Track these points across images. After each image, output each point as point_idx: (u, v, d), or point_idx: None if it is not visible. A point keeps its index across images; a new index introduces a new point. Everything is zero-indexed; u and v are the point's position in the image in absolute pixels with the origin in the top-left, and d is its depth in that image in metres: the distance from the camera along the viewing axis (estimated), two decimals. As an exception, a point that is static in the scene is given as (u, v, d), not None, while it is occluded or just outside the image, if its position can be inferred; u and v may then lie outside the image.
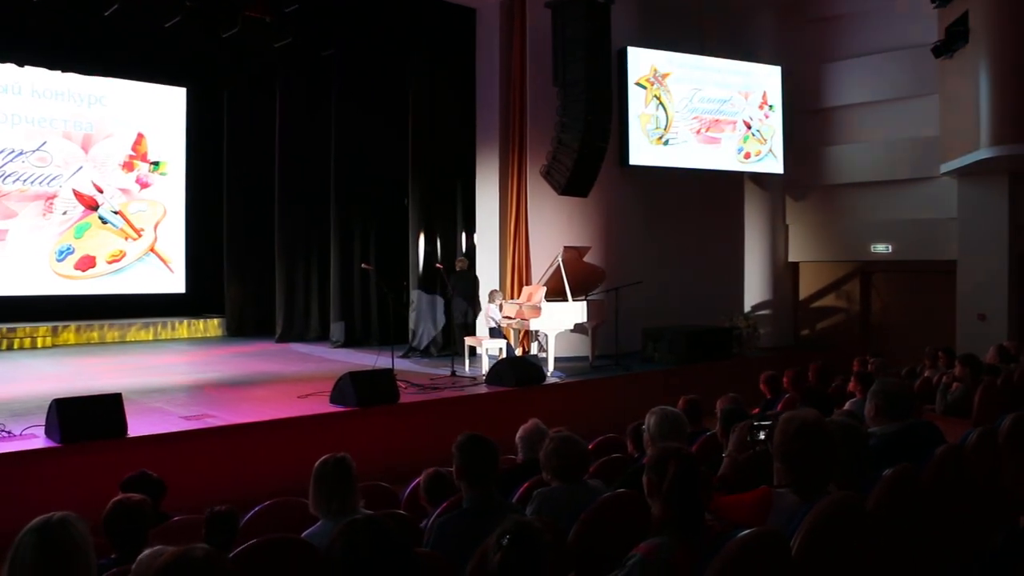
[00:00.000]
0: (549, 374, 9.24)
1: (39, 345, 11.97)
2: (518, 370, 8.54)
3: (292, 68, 12.90)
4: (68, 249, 12.96)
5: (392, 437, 7.06)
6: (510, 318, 9.86)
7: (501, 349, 9.63)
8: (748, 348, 12.38)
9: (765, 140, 13.38)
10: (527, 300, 9.72)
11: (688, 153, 12.62)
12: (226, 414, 6.90)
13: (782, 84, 13.49)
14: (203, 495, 4.84)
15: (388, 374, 7.61)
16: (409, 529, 3.43)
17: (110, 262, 13.39)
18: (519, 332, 10.35)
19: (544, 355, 9.79)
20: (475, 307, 10.60)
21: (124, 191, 13.56)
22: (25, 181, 12.53)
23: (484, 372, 8.96)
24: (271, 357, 11.27)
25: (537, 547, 2.11)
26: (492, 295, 10.36)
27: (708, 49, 12.81)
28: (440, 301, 11.24)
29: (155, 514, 3.46)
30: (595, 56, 10.15)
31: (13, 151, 12.42)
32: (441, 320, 11.27)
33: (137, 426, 6.06)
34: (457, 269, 10.65)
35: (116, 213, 13.44)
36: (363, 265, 11.10)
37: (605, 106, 10.45)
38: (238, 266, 14.08)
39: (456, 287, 10.42)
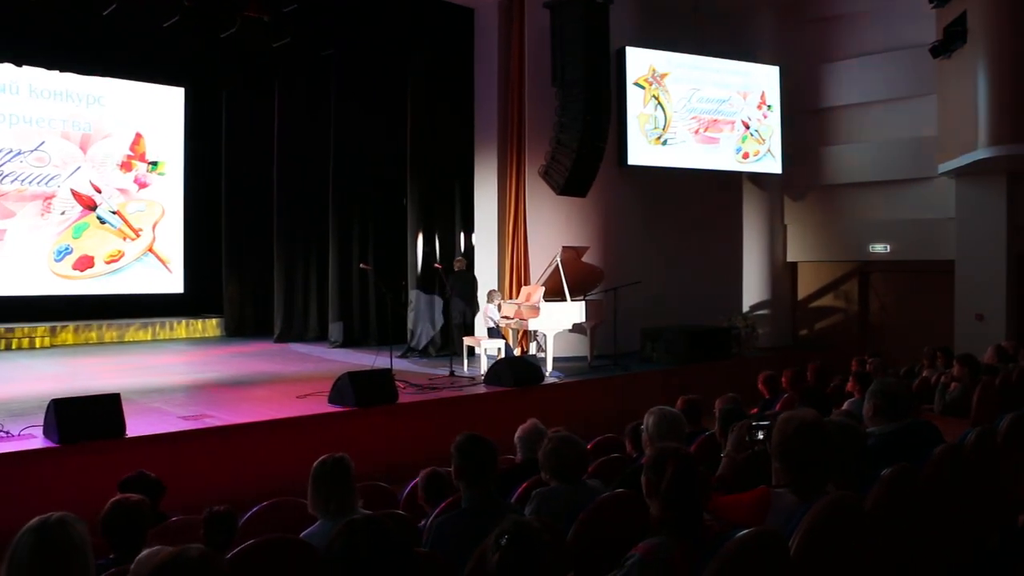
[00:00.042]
0: (548, 374, 9.25)
1: (37, 345, 11.96)
2: (517, 370, 8.54)
3: (291, 68, 12.89)
4: (66, 249, 12.95)
5: (391, 437, 7.06)
6: (509, 318, 9.86)
7: (500, 349, 9.63)
8: (747, 348, 12.38)
9: (763, 140, 13.38)
10: (526, 300, 9.73)
11: (686, 153, 12.63)
12: (225, 414, 6.89)
13: (780, 84, 13.50)
14: (202, 495, 4.84)
15: (387, 374, 7.61)
16: (408, 529, 3.43)
17: (108, 262, 13.37)
18: (518, 332, 10.35)
19: (543, 355, 9.80)
20: (473, 307, 10.60)
21: (122, 191, 13.55)
22: (23, 181, 12.52)
23: (483, 372, 8.96)
24: (270, 357, 11.27)
25: (536, 547, 2.11)
26: (491, 295, 10.36)
27: (706, 49, 12.81)
28: (439, 301, 11.24)
29: (153, 514, 3.46)
30: (593, 56, 10.15)
31: (11, 151, 12.40)
32: (439, 320, 11.27)
33: (135, 426, 6.05)
34: (455, 269, 10.65)
35: (114, 213, 13.43)
36: (362, 265, 11.10)
37: (603, 106, 10.45)
38: (237, 266, 14.07)
39: (454, 287, 10.42)
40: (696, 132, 12.75)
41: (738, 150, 13.16)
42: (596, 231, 11.21)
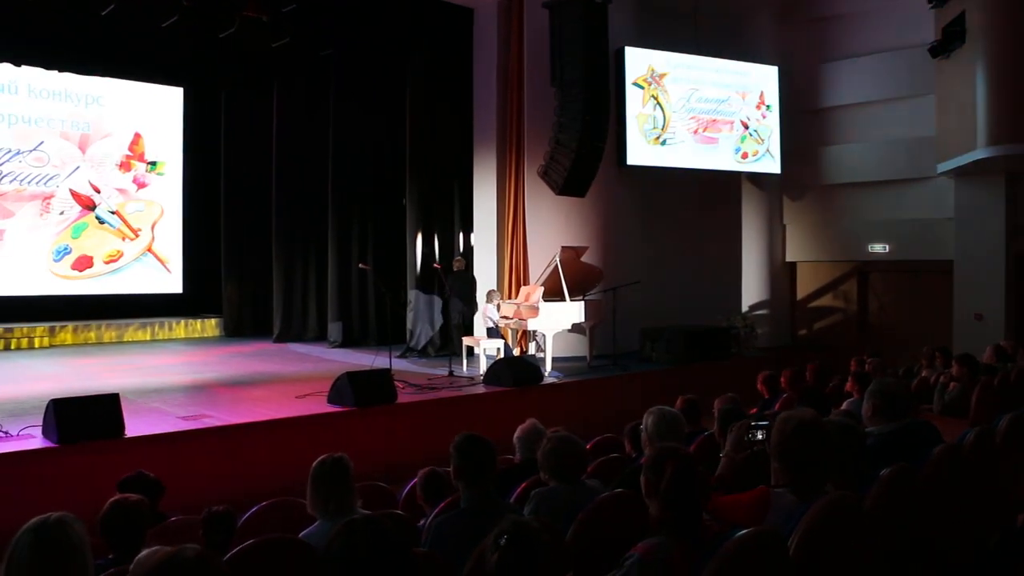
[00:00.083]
0: (547, 374, 9.25)
1: (36, 345, 11.95)
2: (516, 370, 8.53)
3: (290, 68, 12.88)
4: (65, 249, 12.94)
5: (390, 437, 7.06)
6: (508, 318, 9.86)
7: (499, 349, 9.63)
8: (746, 348, 12.38)
9: (762, 140, 13.39)
10: (525, 300, 9.73)
11: (685, 153, 12.63)
12: (224, 414, 6.89)
13: (779, 84, 13.50)
14: (201, 495, 4.83)
15: (386, 374, 7.61)
16: (407, 529, 3.43)
17: (107, 262, 13.37)
18: (517, 332, 10.35)
19: (542, 355, 9.79)
20: (472, 307, 10.60)
21: (121, 191, 13.54)
22: (22, 181, 12.51)
23: (482, 372, 8.95)
24: (269, 357, 11.27)
25: (535, 547, 2.10)
26: (490, 295, 10.35)
27: (705, 49, 12.82)
28: (438, 301, 11.24)
29: (153, 514, 3.46)
30: (592, 56, 10.15)
31: (10, 151, 12.40)
32: (439, 320, 11.27)
33: (134, 426, 6.05)
34: (454, 269, 10.64)
35: (113, 213, 13.42)
36: (361, 265, 11.10)
37: (603, 106, 10.44)
38: (236, 266, 14.07)
39: (453, 287, 10.42)
40: (695, 132, 12.75)
41: (737, 150, 13.16)
42: (595, 231, 11.21)
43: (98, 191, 13.23)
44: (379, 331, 12.12)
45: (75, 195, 13.00)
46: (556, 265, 9.60)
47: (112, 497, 3.23)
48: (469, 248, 11.78)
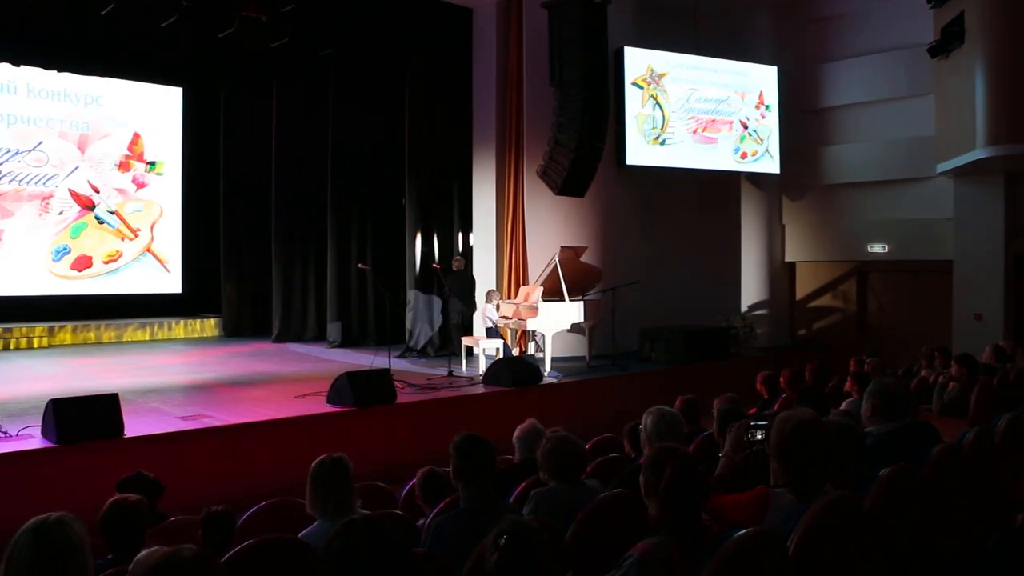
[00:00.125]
0: (546, 374, 9.25)
1: (35, 345, 11.94)
2: (515, 370, 8.53)
3: (289, 68, 12.88)
4: (64, 249, 12.94)
5: (389, 437, 7.06)
6: (507, 318, 9.86)
7: (498, 349, 9.63)
8: (745, 348, 12.39)
9: (761, 140, 13.39)
10: (524, 300, 9.73)
11: (685, 153, 12.64)
12: (223, 414, 6.89)
13: (778, 84, 13.50)
14: (200, 495, 4.83)
15: (385, 374, 7.61)
16: (406, 529, 3.43)
17: (106, 262, 13.36)
18: (516, 332, 10.35)
19: (541, 355, 9.79)
20: (471, 307, 10.60)
21: (120, 191, 13.54)
22: (21, 181, 12.51)
23: (481, 372, 8.96)
24: (268, 357, 11.26)
25: (534, 547, 2.11)
26: (489, 295, 10.35)
27: (704, 49, 12.82)
28: (437, 301, 11.24)
29: (152, 514, 3.46)
30: (592, 56, 10.15)
31: (9, 151, 12.39)
32: (438, 320, 11.27)
33: (134, 426, 6.05)
34: (454, 269, 10.65)
35: (112, 213, 13.42)
36: (360, 265, 11.10)
37: (602, 106, 10.44)
38: (235, 266, 14.07)
39: (453, 287, 10.42)
40: (694, 132, 12.76)
41: (736, 150, 13.16)
42: (594, 231, 11.21)
43: (97, 191, 13.22)
44: (378, 331, 12.12)
45: (74, 195, 12.99)
46: (555, 265, 9.60)
47: (111, 497, 3.23)
48: (468, 248, 11.78)
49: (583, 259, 10.24)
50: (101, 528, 3.07)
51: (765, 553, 2.30)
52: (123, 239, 13.55)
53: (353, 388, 7.05)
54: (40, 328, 12.12)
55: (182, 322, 13.73)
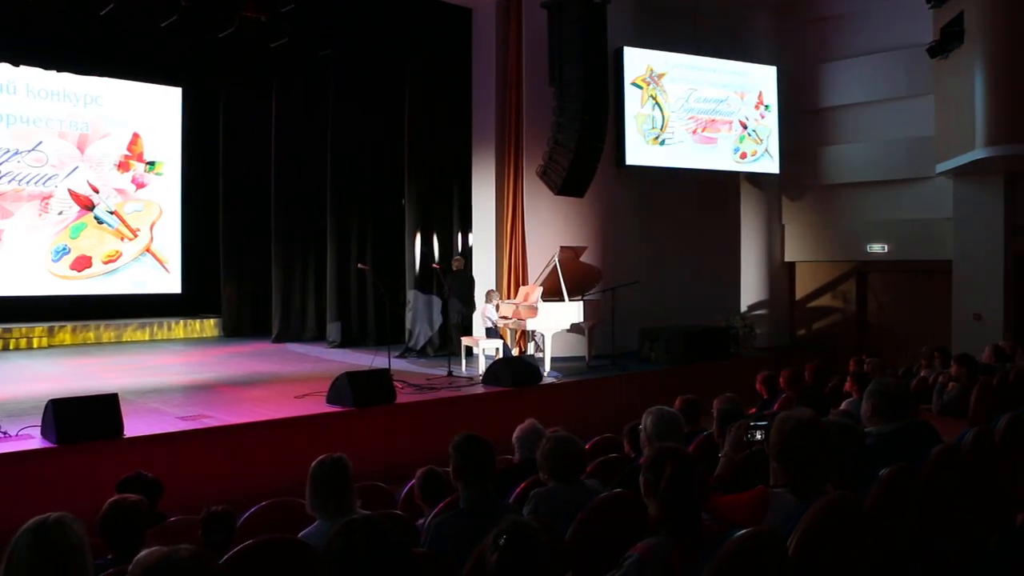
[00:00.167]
0: (546, 374, 9.24)
1: (35, 345, 11.94)
2: (515, 370, 8.53)
3: (288, 68, 12.88)
4: (64, 249, 12.93)
5: (389, 437, 7.06)
6: (507, 318, 9.86)
7: (498, 349, 9.63)
8: (745, 348, 12.39)
9: (761, 140, 13.39)
10: (524, 300, 9.73)
11: (684, 153, 12.64)
12: (223, 414, 6.89)
13: (778, 84, 13.50)
14: (200, 495, 4.83)
15: (385, 374, 7.61)
16: (406, 529, 3.43)
17: (106, 262, 13.36)
18: (516, 332, 10.35)
19: (541, 355, 9.79)
20: (471, 307, 10.60)
21: (120, 191, 13.53)
22: (21, 181, 12.50)
23: (481, 372, 8.95)
24: (268, 357, 11.26)
25: (534, 547, 2.11)
26: (489, 295, 10.35)
27: (704, 49, 12.82)
28: (437, 301, 11.24)
29: (152, 514, 3.46)
30: (591, 56, 10.15)
31: (8, 151, 12.39)
32: (438, 320, 11.27)
33: (133, 426, 6.05)
34: (453, 269, 10.64)
35: (112, 213, 13.41)
36: (360, 265, 11.10)
37: (601, 106, 10.44)
38: (234, 266, 14.06)
39: (452, 287, 10.42)
40: (694, 132, 12.76)
41: (736, 150, 13.16)
42: (594, 231, 11.21)
43: (97, 191, 13.22)
44: (378, 331, 12.12)
45: (74, 195, 12.99)
46: (555, 265, 9.60)
47: (111, 497, 3.23)
48: (468, 248, 11.78)
49: (583, 259, 10.24)
50: (101, 528, 3.07)
51: (765, 553, 2.30)
52: (123, 239, 13.55)
53: (353, 388, 7.05)
54: (40, 328, 12.12)
55: (182, 322, 13.73)
